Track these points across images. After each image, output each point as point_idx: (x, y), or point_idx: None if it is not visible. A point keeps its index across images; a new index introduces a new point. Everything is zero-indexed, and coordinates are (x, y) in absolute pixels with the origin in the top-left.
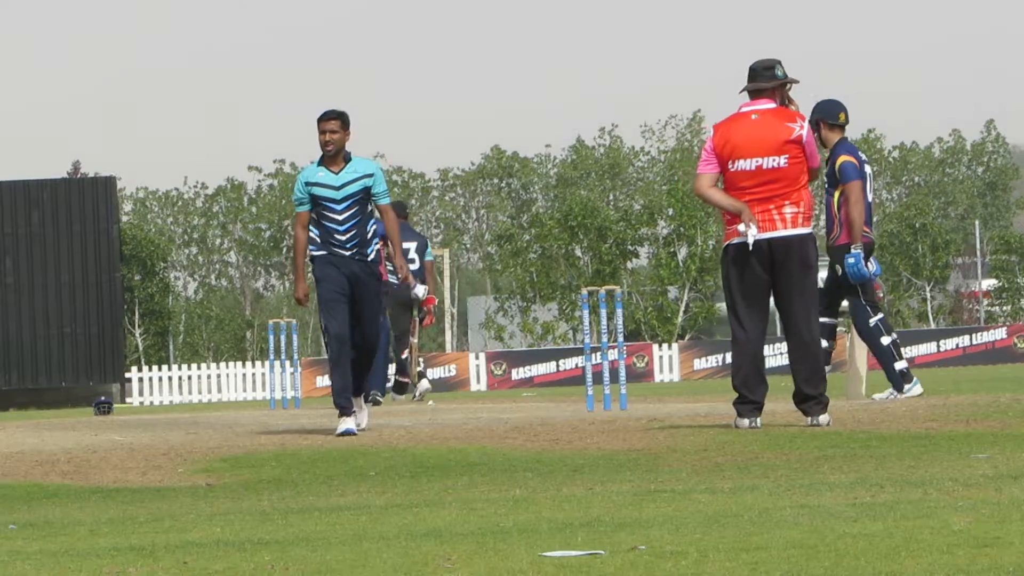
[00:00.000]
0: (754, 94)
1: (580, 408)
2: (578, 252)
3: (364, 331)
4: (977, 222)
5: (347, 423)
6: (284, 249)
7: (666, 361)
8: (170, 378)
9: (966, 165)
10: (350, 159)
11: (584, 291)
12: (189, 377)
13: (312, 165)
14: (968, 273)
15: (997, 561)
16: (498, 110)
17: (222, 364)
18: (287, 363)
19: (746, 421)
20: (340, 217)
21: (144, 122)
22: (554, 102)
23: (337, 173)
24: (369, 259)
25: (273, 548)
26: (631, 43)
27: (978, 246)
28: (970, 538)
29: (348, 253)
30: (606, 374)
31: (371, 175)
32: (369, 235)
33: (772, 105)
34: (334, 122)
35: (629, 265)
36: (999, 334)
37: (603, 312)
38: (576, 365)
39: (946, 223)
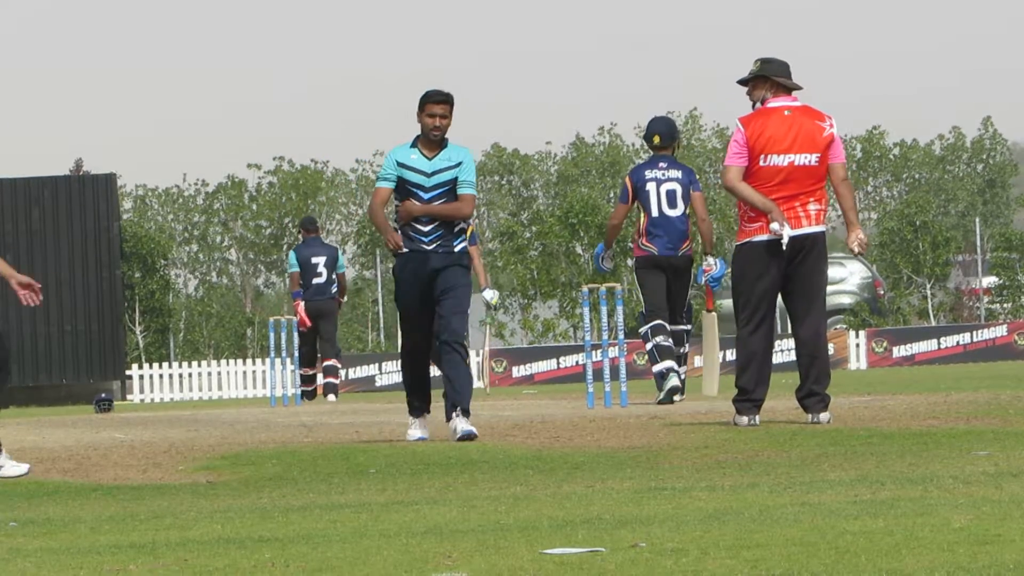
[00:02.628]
0: (777, 89)
1: (580, 405)
2: (579, 249)
3: (451, 325)
4: (977, 219)
5: (417, 431)
6: (284, 247)
7: None
8: (171, 375)
9: (966, 162)
10: (445, 145)
11: (585, 288)
12: (190, 374)
13: (405, 145)
14: (968, 270)
15: (997, 559)
16: (498, 107)
17: (223, 361)
18: (287, 360)
19: (745, 419)
20: None
21: (145, 120)
22: (553, 99)
23: (431, 159)
24: (456, 250)
25: (273, 545)
26: (630, 42)
27: (978, 243)
28: (970, 535)
29: (431, 247)
30: (606, 371)
31: (460, 163)
32: (457, 228)
33: (799, 103)
34: (444, 106)
35: (630, 262)
36: (1000, 331)
37: (604, 309)
38: (577, 362)
39: (946, 220)
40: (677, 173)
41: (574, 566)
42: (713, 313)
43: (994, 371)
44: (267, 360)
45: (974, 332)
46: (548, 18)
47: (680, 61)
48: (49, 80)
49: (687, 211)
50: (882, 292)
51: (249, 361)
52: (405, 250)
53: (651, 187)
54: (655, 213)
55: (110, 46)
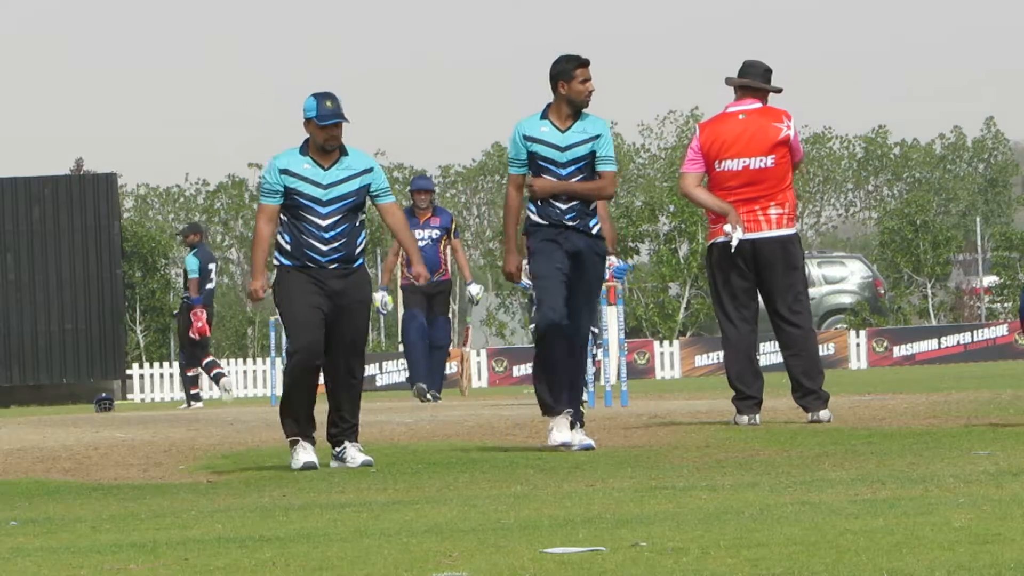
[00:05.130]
0: (742, 92)
1: None
2: None
3: (578, 322)
4: (978, 219)
5: (562, 433)
6: None
7: (667, 358)
8: (171, 375)
9: (967, 162)
10: (580, 116)
11: None
12: None
13: (533, 116)
14: (969, 270)
15: (998, 558)
16: (498, 107)
17: (223, 361)
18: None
19: (745, 418)
20: None
21: (145, 120)
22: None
23: (564, 131)
24: (593, 232)
25: (274, 544)
26: (629, 40)
27: (979, 243)
28: (971, 535)
29: (571, 224)
30: (607, 371)
31: (598, 136)
32: (592, 206)
33: (758, 105)
34: (586, 69)
35: (630, 261)
36: (1000, 331)
37: (603, 309)
38: None
39: (947, 220)
40: None
41: (575, 565)
42: (614, 307)
43: (994, 371)
44: (267, 359)
45: (975, 332)
46: (547, 17)
47: (680, 60)
48: (49, 80)
49: None
50: (882, 291)
51: (249, 361)
52: (544, 222)
53: None
54: None
55: (110, 46)
